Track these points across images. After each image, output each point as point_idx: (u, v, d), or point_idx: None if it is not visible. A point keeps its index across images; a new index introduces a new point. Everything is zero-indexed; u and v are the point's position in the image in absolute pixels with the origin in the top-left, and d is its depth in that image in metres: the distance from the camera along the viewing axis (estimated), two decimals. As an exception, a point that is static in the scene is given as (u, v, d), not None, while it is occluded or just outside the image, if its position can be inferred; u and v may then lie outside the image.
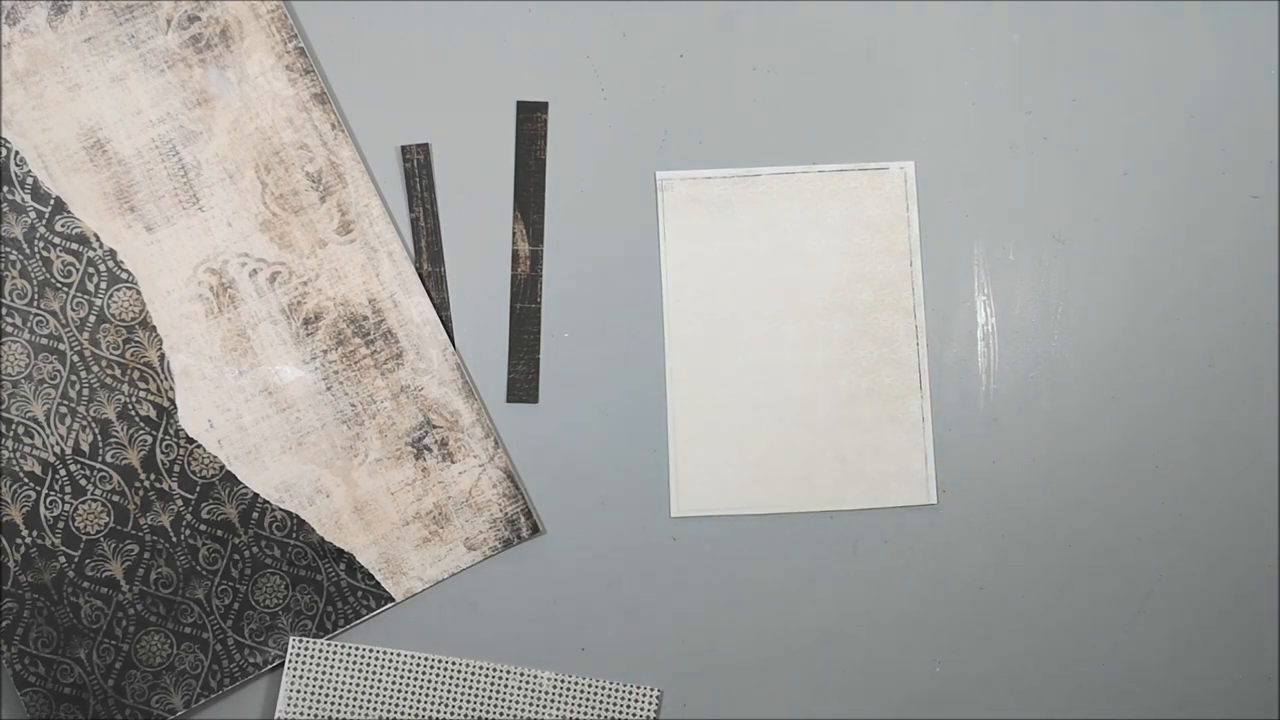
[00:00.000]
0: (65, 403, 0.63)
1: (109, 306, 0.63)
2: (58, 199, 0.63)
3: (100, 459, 0.63)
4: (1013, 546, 0.64)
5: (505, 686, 0.63)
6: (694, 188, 0.65)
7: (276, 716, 0.63)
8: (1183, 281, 0.65)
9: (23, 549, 0.63)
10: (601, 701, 0.63)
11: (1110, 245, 0.65)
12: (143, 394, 0.63)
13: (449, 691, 0.62)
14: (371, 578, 0.63)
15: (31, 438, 0.63)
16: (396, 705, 0.62)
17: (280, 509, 0.63)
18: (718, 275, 0.65)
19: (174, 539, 0.63)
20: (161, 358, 0.63)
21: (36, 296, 0.63)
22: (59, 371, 0.63)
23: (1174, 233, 0.65)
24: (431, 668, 0.63)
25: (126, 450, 0.63)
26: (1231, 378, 0.64)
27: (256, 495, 0.63)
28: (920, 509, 0.64)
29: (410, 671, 0.63)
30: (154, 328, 0.63)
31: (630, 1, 0.65)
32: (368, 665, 0.63)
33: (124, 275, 0.63)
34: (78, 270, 0.63)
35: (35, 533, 0.63)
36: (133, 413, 0.63)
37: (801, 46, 0.65)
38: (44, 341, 0.63)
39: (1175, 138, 0.65)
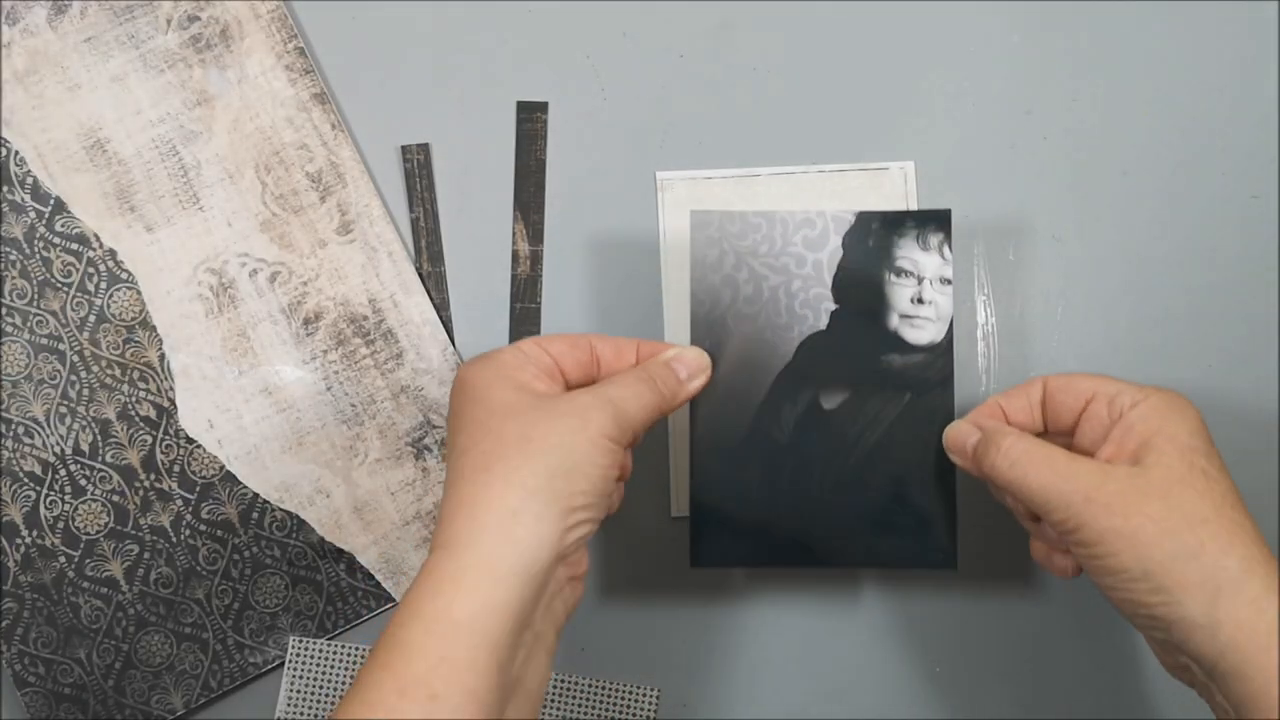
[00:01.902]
0: (65, 403, 0.63)
1: (109, 306, 0.63)
2: (58, 199, 0.63)
3: (100, 459, 0.63)
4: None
5: (505, 686, 0.62)
6: (694, 188, 0.65)
7: (276, 716, 0.63)
8: (1182, 281, 0.65)
9: (23, 549, 0.63)
10: (601, 701, 0.63)
11: (1110, 245, 0.65)
12: (143, 394, 0.63)
13: (449, 691, 0.62)
14: (371, 578, 0.63)
15: (31, 438, 0.63)
16: (396, 705, 0.62)
17: (280, 509, 0.63)
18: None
19: (174, 539, 0.63)
20: (161, 358, 0.63)
21: (36, 296, 0.63)
22: (59, 371, 0.63)
23: (1174, 233, 0.65)
24: (431, 668, 0.63)
25: (126, 450, 0.63)
26: (1231, 378, 0.64)
27: (256, 495, 0.63)
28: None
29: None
30: (154, 328, 0.63)
31: (630, 1, 0.65)
32: (368, 665, 0.63)
33: (124, 275, 0.63)
34: (78, 270, 0.63)
35: (35, 533, 0.63)
36: (133, 413, 0.63)
37: (801, 46, 0.65)
38: (44, 341, 0.63)
39: (1175, 138, 0.65)
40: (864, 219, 0.59)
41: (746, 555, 0.59)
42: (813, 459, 0.58)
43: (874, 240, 0.59)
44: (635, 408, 0.52)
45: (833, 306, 0.58)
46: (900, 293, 0.58)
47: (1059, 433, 0.56)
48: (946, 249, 0.58)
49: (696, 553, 0.59)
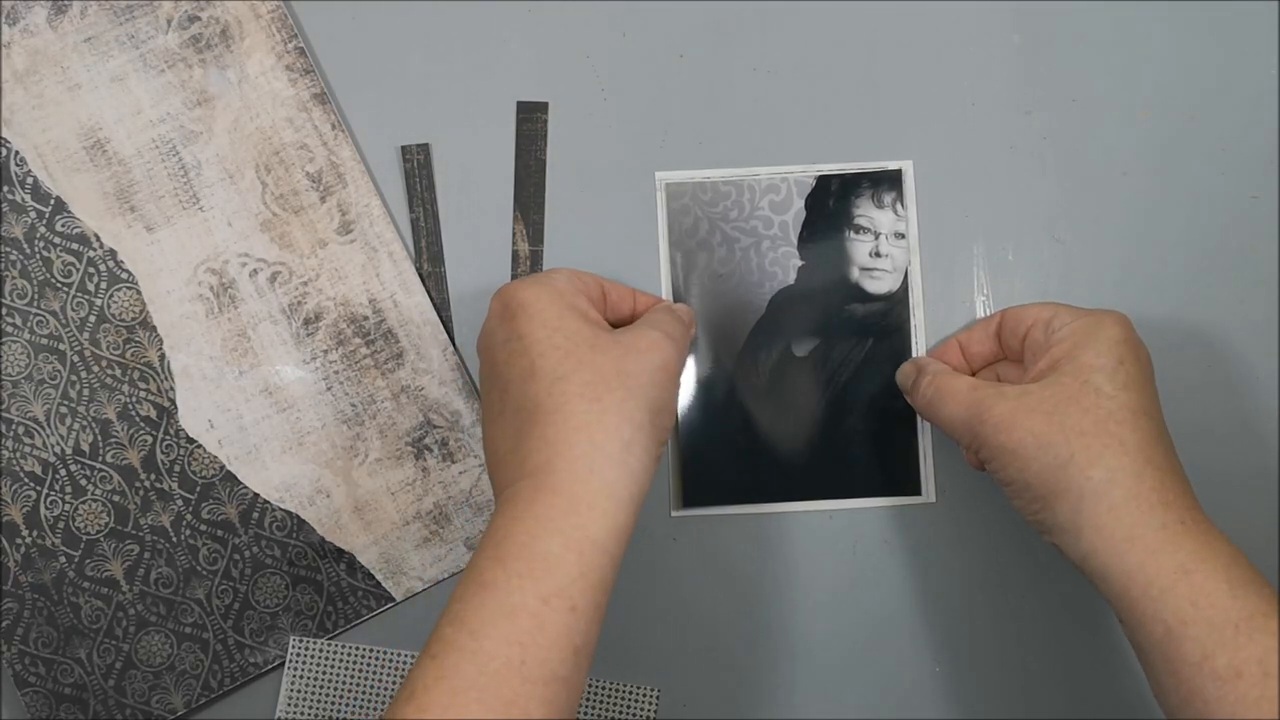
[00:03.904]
0: (65, 403, 0.63)
1: (109, 306, 0.63)
2: (58, 199, 0.63)
3: (100, 459, 0.63)
4: (1012, 545, 0.64)
5: (505, 686, 0.62)
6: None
7: (276, 716, 0.63)
8: (1183, 282, 0.65)
9: (23, 549, 0.63)
10: (601, 701, 0.63)
11: (1110, 245, 0.65)
12: (143, 394, 0.63)
13: (449, 691, 0.62)
14: (372, 578, 0.64)
15: (31, 438, 0.63)
16: (397, 705, 0.62)
17: (280, 509, 0.63)
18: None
19: (174, 539, 0.63)
20: (162, 358, 0.63)
21: (36, 296, 0.63)
22: (59, 371, 0.63)
23: (1174, 233, 0.65)
24: (432, 668, 0.63)
25: (127, 450, 0.63)
26: (1231, 378, 0.64)
27: (257, 495, 0.63)
28: (920, 509, 0.64)
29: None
30: (154, 328, 0.63)
31: (630, 1, 0.65)
32: (368, 665, 0.63)
33: (124, 275, 0.63)
34: (78, 270, 0.63)
35: (35, 533, 0.63)
36: (133, 413, 0.63)
37: (801, 46, 0.65)
38: (44, 341, 0.63)
39: (1175, 138, 0.65)
40: (824, 181, 0.64)
41: (732, 494, 0.63)
42: (788, 402, 0.64)
43: (834, 201, 0.64)
44: (683, 347, 0.56)
45: (799, 263, 0.64)
46: (859, 248, 0.64)
47: (1014, 360, 0.60)
48: (899, 205, 0.64)
49: (686, 495, 0.64)
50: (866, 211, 0.64)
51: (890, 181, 0.64)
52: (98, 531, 0.63)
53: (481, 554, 0.49)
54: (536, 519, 0.49)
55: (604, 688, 0.63)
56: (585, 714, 0.63)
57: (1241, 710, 0.47)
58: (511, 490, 0.51)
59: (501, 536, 0.49)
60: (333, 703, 0.62)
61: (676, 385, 0.55)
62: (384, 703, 0.62)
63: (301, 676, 0.63)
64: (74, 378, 0.63)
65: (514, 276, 0.65)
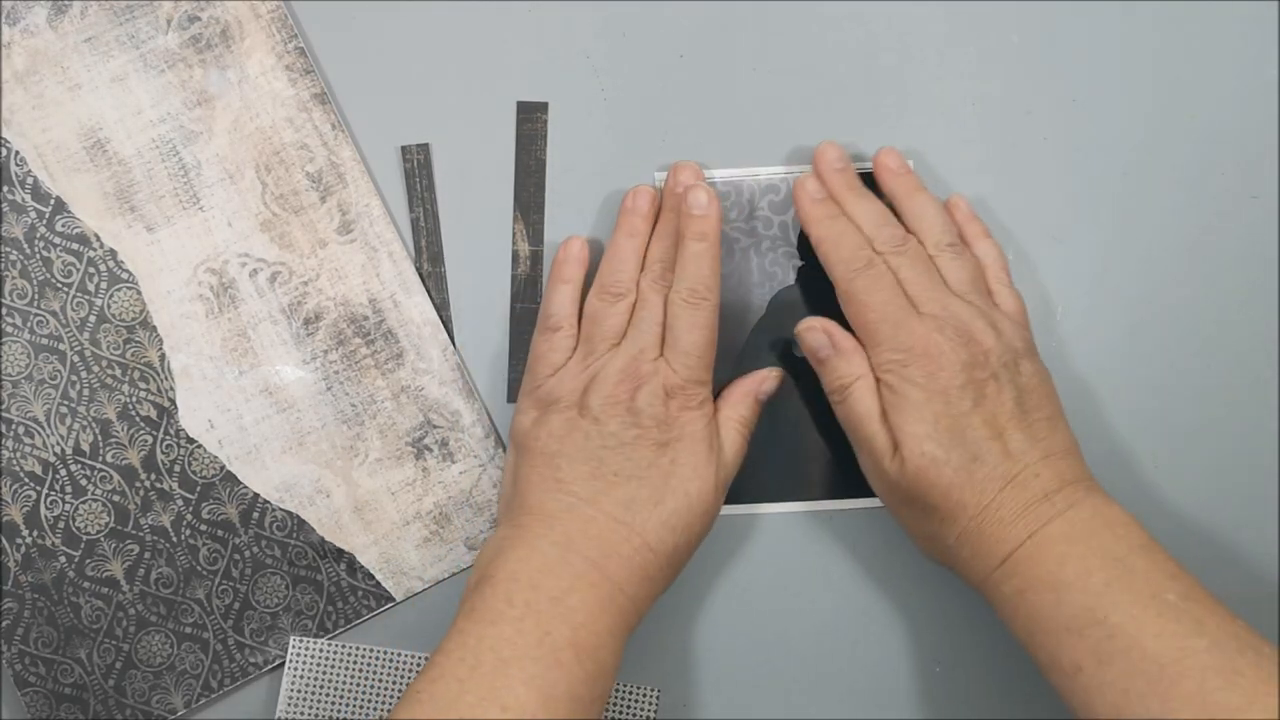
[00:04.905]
0: (65, 403, 0.63)
1: (109, 306, 0.63)
2: (58, 199, 0.63)
3: (100, 459, 0.63)
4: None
5: (505, 686, 0.62)
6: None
7: (276, 716, 0.63)
8: (1183, 282, 0.65)
9: (23, 549, 0.63)
10: (602, 701, 0.63)
11: (1110, 245, 0.65)
12: (143, 394, 0.63)
13: (449, 691, 0.62)
14: (372, 578, 0.64)
15: (32, 438, 0.63)
16: (397, 705, 0.62)
17: (280, 509, 0.63)
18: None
19: (174, 539, 0.63)
20: (162, 358, 0.63)
21: (36, 296, 0.63)
22: (59, 371, 0.63)
23: (1174, 233, 0.65)
24: (432, 668, 0.63)
25: (127, 450, 0.63)
26: (1231, 378, 0.64)
27: (257, 495, 0.63)
28: (920, 509, 0.64)
29: (410, 671, 0.63)
30: (154, 328, 0.64)
31: (630, 1, 0.65)
32: (368, 665, 0.63)
33: (124, 275, 0.64)
34: (78, 270, 0.63)
35: (35, 533, 0.63)
36: (133, 413, 0.63)
37: (801, 46, 0.65)
38: (44, 341, 0.63)
39: (1175, 138, 0.65)
40: None
41: (732, 494, 0.62)
42: (788, 403, 0.63)
43: None
44: None
45: (799, 263, 0.64)
46: None
47: None
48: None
49: None
50: None
51: None
52: (98, 531, 0.63)
53: (581, 627, 0.54)
54: (617, 565, 0.56)
55: (604, 688, 0.63)
56: (585, 714, 0.63)
57: (1086, 698, 0.51)
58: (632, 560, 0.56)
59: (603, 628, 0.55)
60: (333, 703, 0.62)
61: None
62: (384, 703, 0.62)
63: (301, 676, 0.63)
64: (74, 378, 0.63)
65: (514, 276, 0.65)
